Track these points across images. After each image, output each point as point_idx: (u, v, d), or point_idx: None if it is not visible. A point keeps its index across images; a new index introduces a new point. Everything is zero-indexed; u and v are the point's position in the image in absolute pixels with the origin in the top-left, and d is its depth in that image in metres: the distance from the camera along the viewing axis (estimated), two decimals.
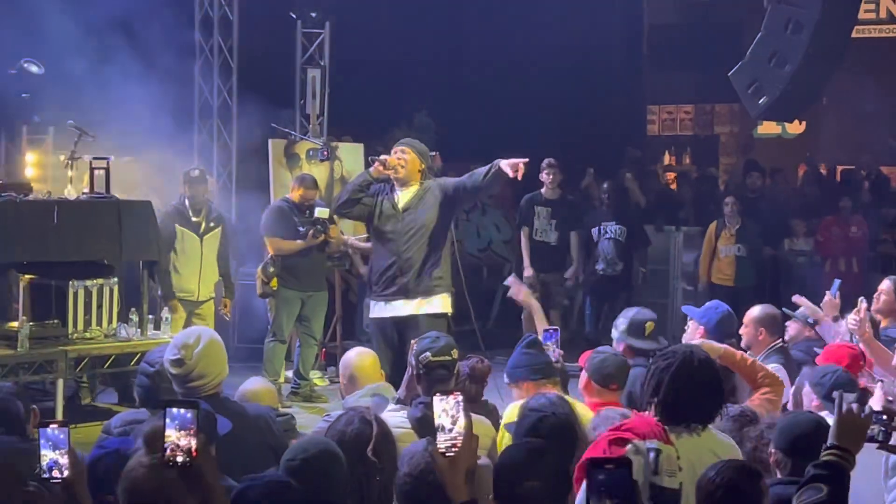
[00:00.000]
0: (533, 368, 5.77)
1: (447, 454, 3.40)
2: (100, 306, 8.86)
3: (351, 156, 12.35)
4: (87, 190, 9.05)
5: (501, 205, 15.14)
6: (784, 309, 7.63)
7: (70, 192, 8.82)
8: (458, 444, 3.40)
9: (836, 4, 10.43)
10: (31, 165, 9.39)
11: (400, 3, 15.53)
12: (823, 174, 17.81)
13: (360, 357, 6.25)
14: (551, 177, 12.52)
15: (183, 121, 11.19)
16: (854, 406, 3.57)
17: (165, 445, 3.26)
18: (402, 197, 8.38)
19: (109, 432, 4.99)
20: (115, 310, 8.99)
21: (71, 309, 8.71)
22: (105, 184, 9.00)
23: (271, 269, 10.55)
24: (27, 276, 8.79)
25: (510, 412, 5.37)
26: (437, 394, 3.44)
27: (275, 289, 10.59)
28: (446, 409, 3.41)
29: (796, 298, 7.57)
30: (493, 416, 5.86)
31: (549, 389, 5.32)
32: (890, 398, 5.36)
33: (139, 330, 9.05)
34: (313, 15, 12.63)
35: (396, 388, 5.92)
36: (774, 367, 6.52)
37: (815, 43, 10.09)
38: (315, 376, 11.25)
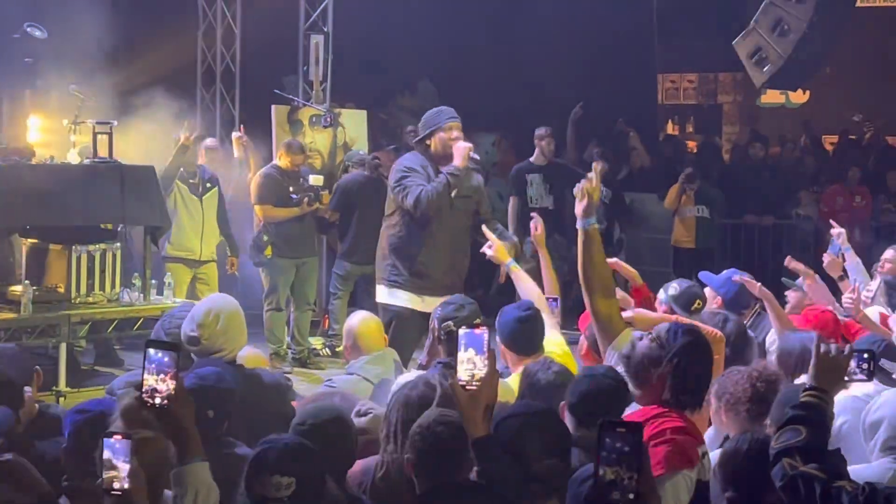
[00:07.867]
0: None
1: (467, 388, 3.39)
2: (102, 271, 8.88)
3: (354, 122, 12.33)
4: (90, 154, 9.05)
5: (504, 174, 15.10)
6: (784, 279, 7.61)
7: (73, 157, 8.82)
8: (480, 379, 3.39)
9: None
10: (35, 130, 9.37)
11: None
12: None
13: (363, 323, 6.14)
14: (550, 146, 12.46)
15: (186, 87, 11.17)
16: (832, 347, 3.59)
17: (143, 388, 3.26)
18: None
19: (113, 394, 5.02)
20: (118, 274, 9.02)
21: (74, 273, 8.72)
22: (108, 148, 9.01)
23: (265, 238, 10.55)
24: (30, 241, 8.81)
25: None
26: (462, 327, 3.43)
27: (269, 257, 10.58)
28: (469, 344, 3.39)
29: (789, 261, 7.52)
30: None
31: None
32: None
33: (142, 295, 9.08)
34: None
35: None
36: None
37: (820, 12, 10.07)
38: (317, 342, 11.27)
